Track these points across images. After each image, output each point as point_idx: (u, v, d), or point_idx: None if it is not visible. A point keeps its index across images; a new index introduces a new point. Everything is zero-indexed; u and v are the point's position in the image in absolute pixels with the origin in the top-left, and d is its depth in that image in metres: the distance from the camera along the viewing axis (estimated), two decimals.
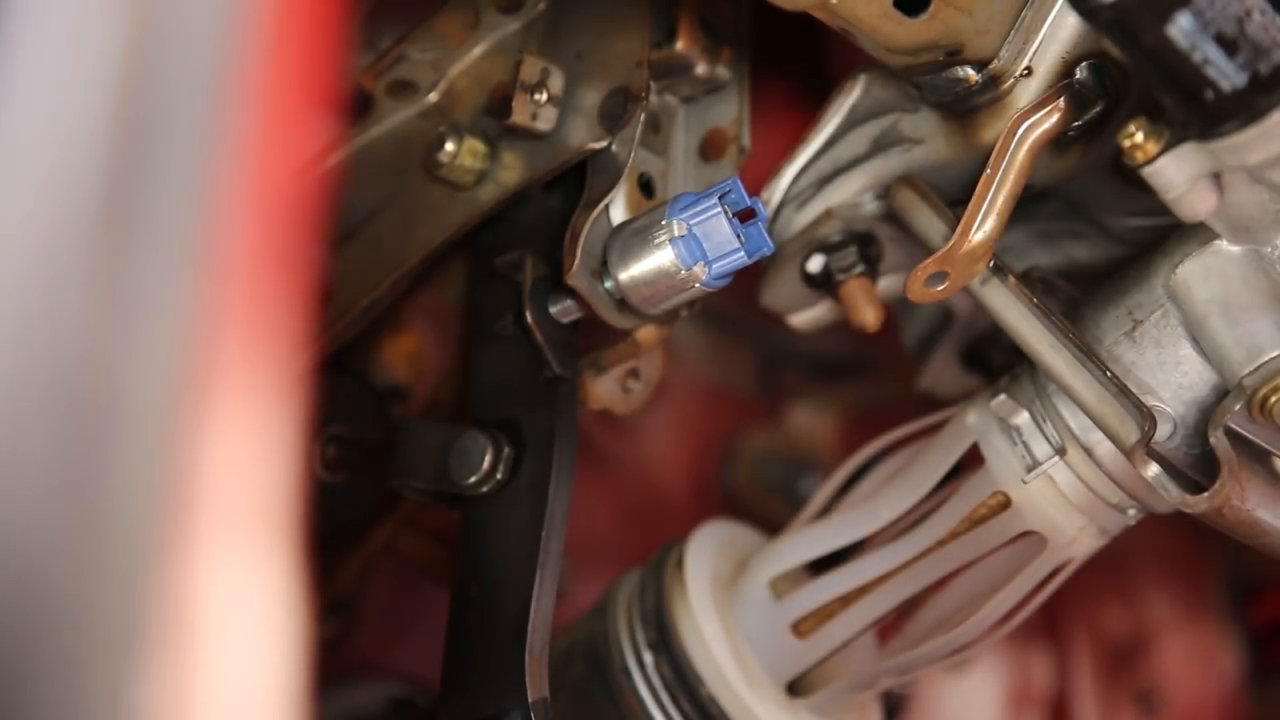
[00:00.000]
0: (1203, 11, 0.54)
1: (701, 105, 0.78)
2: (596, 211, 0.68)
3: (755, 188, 0.70)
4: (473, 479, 0.70)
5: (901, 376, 0.95)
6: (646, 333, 0.75)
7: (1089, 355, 0.66)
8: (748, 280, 0.75)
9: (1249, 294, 0.64)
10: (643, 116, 0.70)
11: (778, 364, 1.07)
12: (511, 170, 0.74)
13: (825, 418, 1.09)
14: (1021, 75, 0.67)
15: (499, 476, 0.70)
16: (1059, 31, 0.66)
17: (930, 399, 0.90)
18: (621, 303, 0.69)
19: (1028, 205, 0.69)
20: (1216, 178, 0.61)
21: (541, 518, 0.68)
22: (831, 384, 1.09)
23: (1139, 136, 0.61)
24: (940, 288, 0.68)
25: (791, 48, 0.85)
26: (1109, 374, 0.65)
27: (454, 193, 0.75)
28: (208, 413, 0.34)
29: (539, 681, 0.66)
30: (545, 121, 0.72)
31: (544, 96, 0.71)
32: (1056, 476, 0.69)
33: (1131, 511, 0.71)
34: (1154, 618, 1.08)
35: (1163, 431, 0.65)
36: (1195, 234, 0.65)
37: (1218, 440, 0.62)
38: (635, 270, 0.67)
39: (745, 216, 0.66)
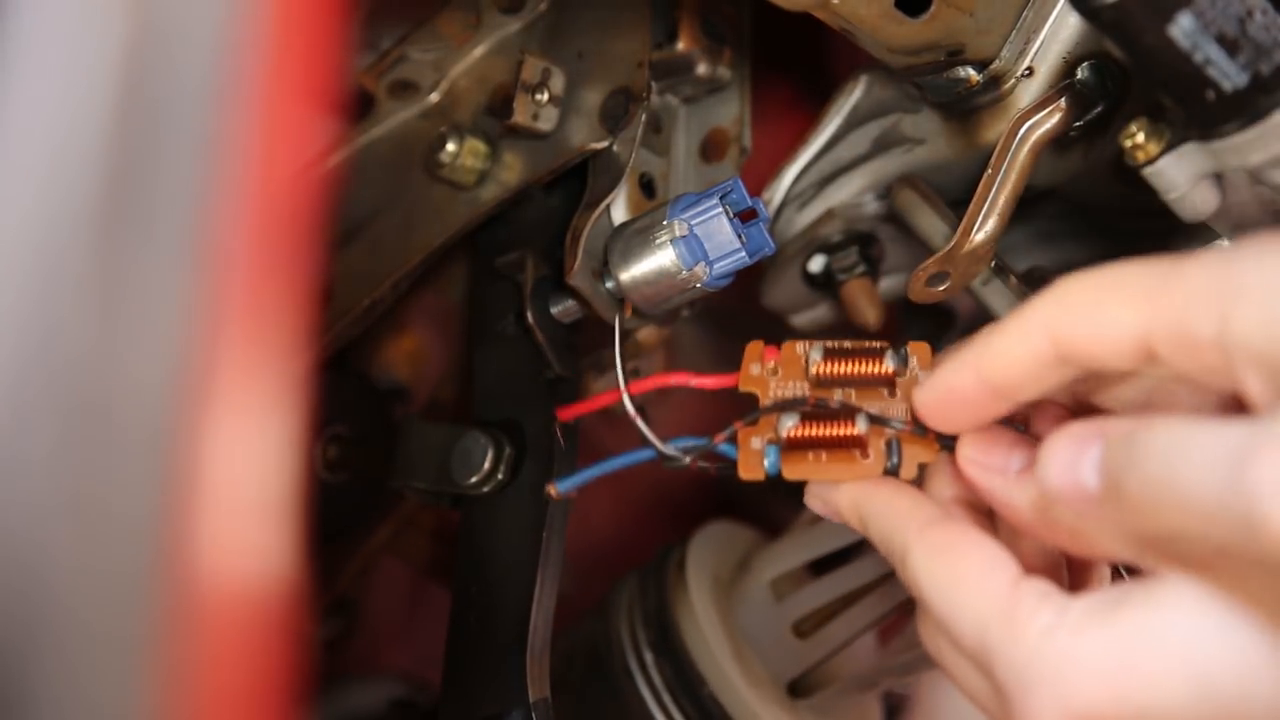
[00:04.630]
0: (1204, 11, 0.53)
1: (703, 105, 0.78)
2: (598, 212, 0.68)
3: (756, 188, 0.70)
4: (474, 479, 0.70)
5: None
6: (647, 333, 0.75)
7: None
8: (749, 280, 0.75)
9: None
10: (644, 117, 0.70)
11: None
12: (513, 170, 0.74)
13: None
14: (1023, 75, 0.67)
15: (500, 477, 0.70)
16: (1060, 32, 0.66)
17: None
18: (622, 303, 0.69)
19: (1029, 205, 0.69)
20: (1218, 178, 0.61)
21: (543, 518, 0.68)
22: None
23: (1140, 137, 0.61)
24: (942, 288, 0.68)
25: (793, 48, 0.85)
26: None
27: (455, 193, 0.76)
28: (209, 412, 0.34)
29: (540, 682, 0.66)
30: (546, 122, 0.72)
31: (545, 97, 0.71)
32: None
33: None
34: None
35: None
36: (1197, 235, 0.65)
37: None
38: (636, 270, 0.67)
39: (747, 216, 0.66)
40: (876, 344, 0.57)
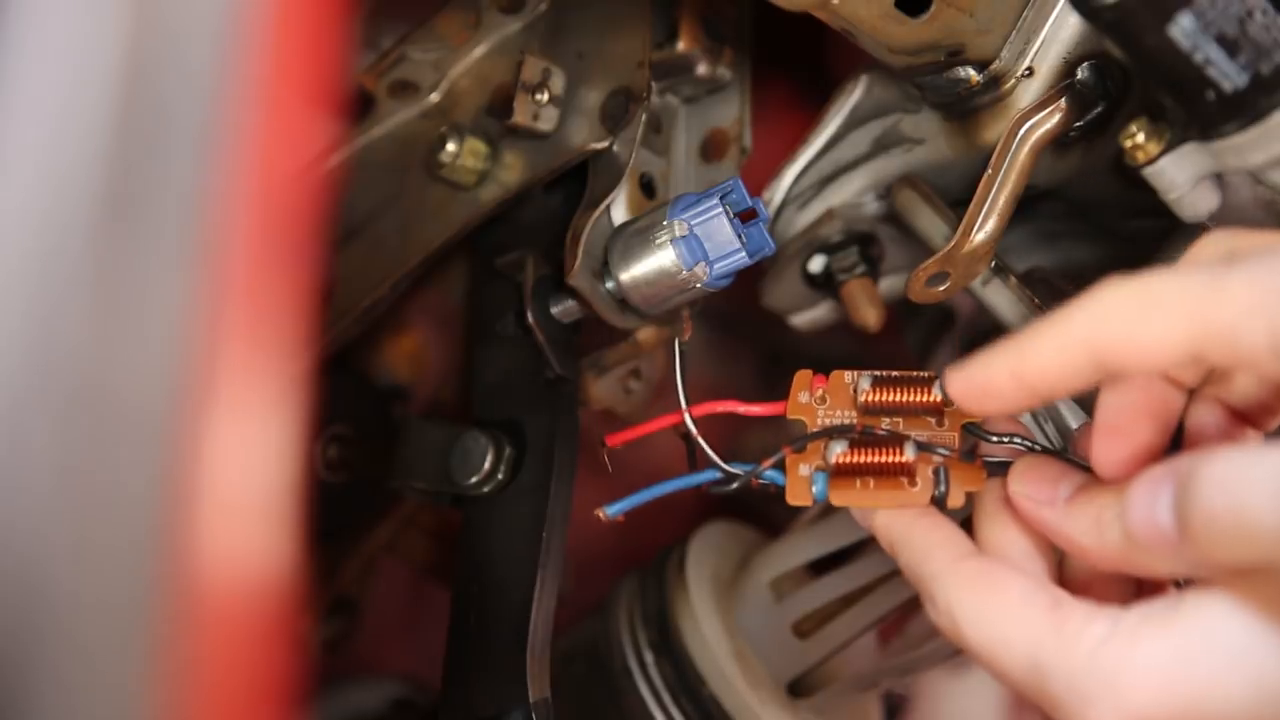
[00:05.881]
0: (1204, 12, 0.53)
1: (703, 105, 0.78)
2: (598, 212, 0.68)
3: (756, 188, 0.70)
4: (474, 479, 0.70)
5: None
6: (647, 333, 0.75)
7: None
8: (749, 280, 0.75)
9: None
10: (644, 117, 0.70)
11: (779, 364, 1.07)
12: (513, 170, 0.74)
13: None
14: (1023, 75, 0.67)
15: (500, 477, 0.71)
16: (1060, 32, 0.66)
17: None
18: (623, 303, 0.69)
19: (1029, 205, 0.69)
20: (1218, 178, 0.61)
21: (543, 518, 0.68)
22: None
23: (1140, 137, 0.62)
24: (942, 288, 0.68)
25: (793, 48, 0.85)
26: None
27: (455, 193, 0.75)
28: (209, 412, 0.34)
29: (540, 682, 0.66)
30: (546, 122, 0.72)
31: (545, 97, 0.71)
32: None
33: None
34: None
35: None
36: (1197, 235, 0.65)
37: None
38: (636, 271, 0.67)
39: (747, 217, 0.66)
40: (924, 374, 0.58)
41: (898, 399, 0.57)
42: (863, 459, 0.56)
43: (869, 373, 0.58)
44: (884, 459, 0.56)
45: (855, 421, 0.58)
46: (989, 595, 0.50)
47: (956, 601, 0.51)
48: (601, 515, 0.64)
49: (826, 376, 0.60)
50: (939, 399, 0.57)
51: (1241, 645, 0.44)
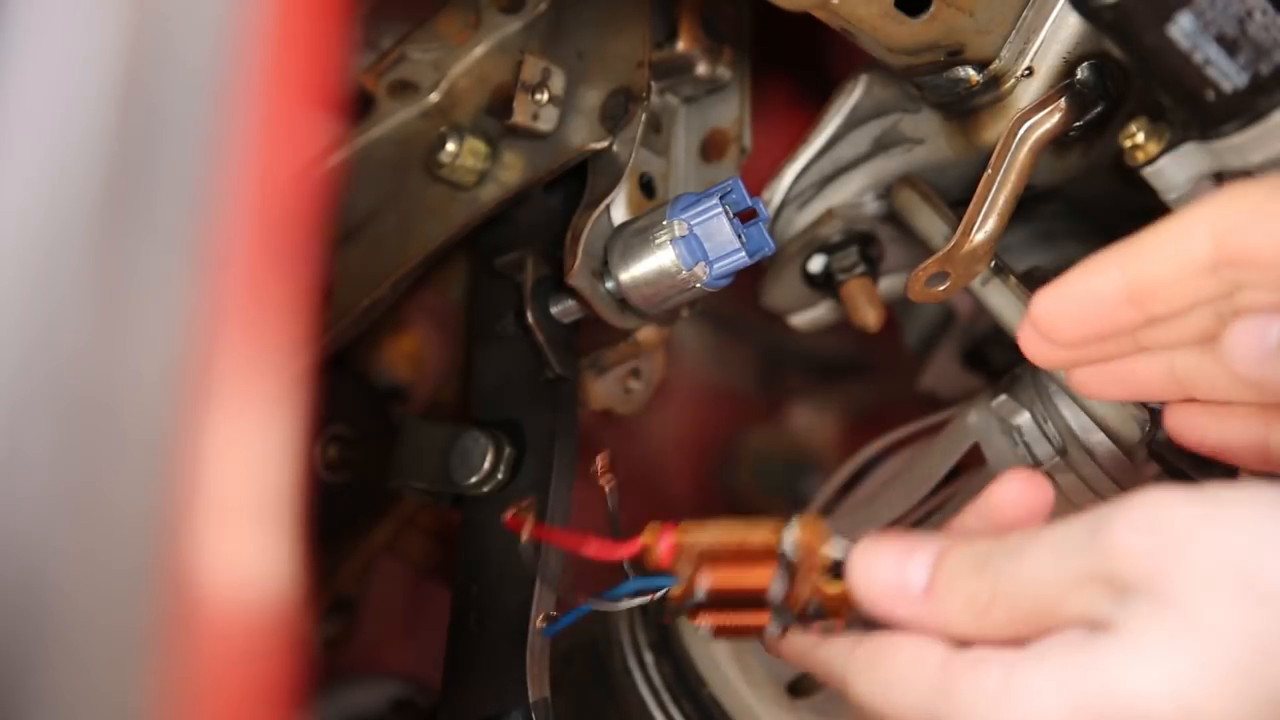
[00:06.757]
0: (1204, 11, 0.54)
1: (703, 105, 0.78)
2: (597, 212, 0.68)
3: (756, 188, 0.70)
4: (474, 479, 0.70)
5: (902, 377, 0.95)
6: (648, 333, 0.75)
7: None
8: (749, 280, 0.75)
9: None
10: (644, 117, 0.70)
11: (778, 364, 1.07)
12: (512, 170, 0.74)
13: (826, 418, 1.09)
14: (1023, 75, 0.67)
15: (500, 477, 0.70)
16: (1060, 32, 0.66)
17: (931, 399, 0.90)
18: (622, 303, 0.69)
19: (1029, 205, 0.69)
20: (1218, 178, 0.61)
21: (543, 518, 0.68)
22: (832, 384, 1.09)
23: (1140, 137, 0.62)
24: (941, 288, 0.68)
25: (793, 48, 0.85)
26: None
27: (455, 193, 0.75)
28: (209, 412, 0.34)
29: (540, 681, 0.66)
30: (546, 122, 0.72)
31: (545, 96, 0.71)
32: (1058, 478, 0.69)
33: None
34: None
35: (1164, 431, 0.65)
36: None
37: None
38: (636, 270, 0.67)
39: (746, 216, 0.66)
40: (769, 528, 0.54)
41: (735, 585, 0.54)
42: (730, 623, 0.55)
43: (706, 541, 0.55)
44: (747, 623, 0.54)
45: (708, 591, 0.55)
46: (880, 669, 0.49)
47: (860, 687, 0.50)
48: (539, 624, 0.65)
49: (676, 525, 0.56)
50: (777, 591, 0.53)
51: (1136, 680, 0.43)
